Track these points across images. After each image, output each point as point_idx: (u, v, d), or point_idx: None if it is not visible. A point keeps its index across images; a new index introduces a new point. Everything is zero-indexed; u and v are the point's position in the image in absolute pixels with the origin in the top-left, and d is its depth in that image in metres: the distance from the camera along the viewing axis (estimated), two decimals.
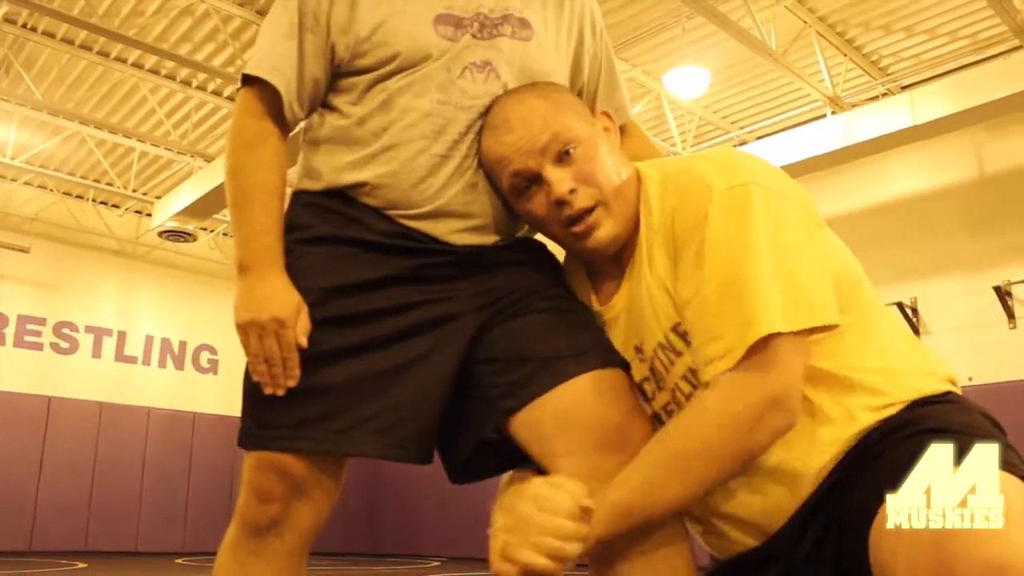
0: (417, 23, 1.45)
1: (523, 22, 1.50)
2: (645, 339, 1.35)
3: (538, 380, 1.36)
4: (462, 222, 1.44)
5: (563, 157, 1.33)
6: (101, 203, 11.76)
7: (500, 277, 1.45)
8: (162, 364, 11.91)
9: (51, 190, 11.27)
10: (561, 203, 1.32)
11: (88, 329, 11.55)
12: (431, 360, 1.40)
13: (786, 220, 1.21)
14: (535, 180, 1.34)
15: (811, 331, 1.18)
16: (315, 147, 1.52)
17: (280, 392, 1.37)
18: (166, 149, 9.90)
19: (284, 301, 1.38)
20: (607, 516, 1.18)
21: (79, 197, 11.56)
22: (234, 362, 1.74)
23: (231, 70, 7.99)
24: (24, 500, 10.24)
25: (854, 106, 7.91)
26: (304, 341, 1.37)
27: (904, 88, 7.98)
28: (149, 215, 11.53)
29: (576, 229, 1.33)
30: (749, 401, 1.16)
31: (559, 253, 1.52)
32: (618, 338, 1.39)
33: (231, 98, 8.66)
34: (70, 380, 11.12)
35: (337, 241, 1.45)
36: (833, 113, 7.91)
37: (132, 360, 11.81)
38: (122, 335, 11.80)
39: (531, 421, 1.35)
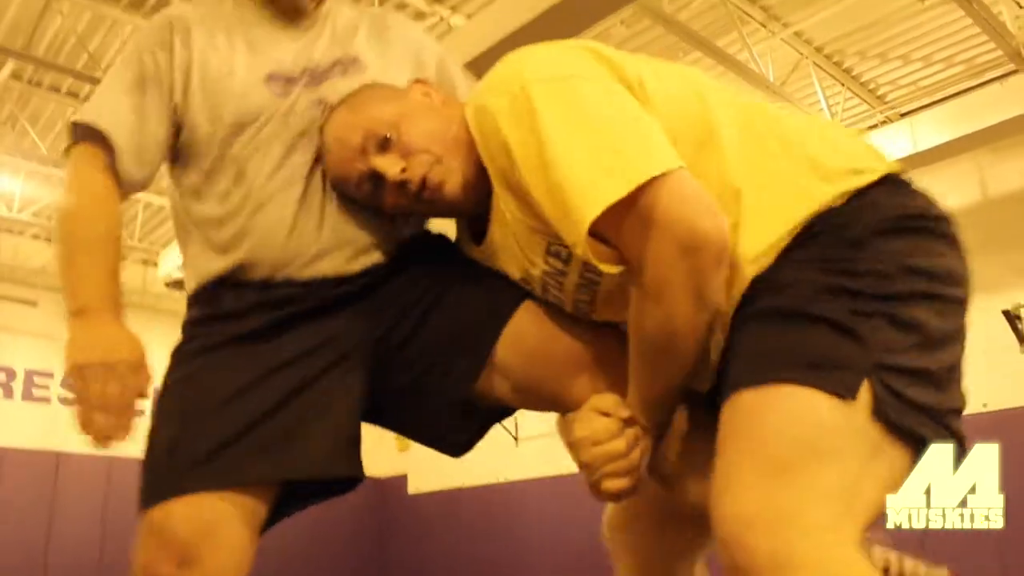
0: (248, 83, 1.48)
1: (354, 60, 1.56)
2: (528, 269, 1.36)
3: (482, 337, 1.39)
4: (346, 251, 1.46)
5: (385, 144, 1.36)
6: None
7: (399, 282, 1.48)
8: None
9: None
10: (403, 183, 1.34)
11: None
12: (331, 385, 1.41)
13: (577, 99, 1.19)
14: (375, 177, 1.37)
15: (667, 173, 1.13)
16: (187, 236, 1.52)
17: (106, 446, 1.33)
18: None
19: (135, 345, 1.34)
20: (641, 414, 1.27)
21: None
22: None
23: None
24: (34, 557, 10.13)
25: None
26: (148, 392, 1.34)
27: (903, 115, 7.99)
28: (155, 265, 11.56)
29: (427, 195, 1.35)
30: (654, 271, 1.14)
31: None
32: (512, 264, 1.40)
33: None
34: (79, 434, 11.04)
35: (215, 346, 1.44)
36: None
37: (141, 412, 11.75)
38: None
39: (504, 367, 1.39)
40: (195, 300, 1.53)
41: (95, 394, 1.30)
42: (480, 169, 1.34)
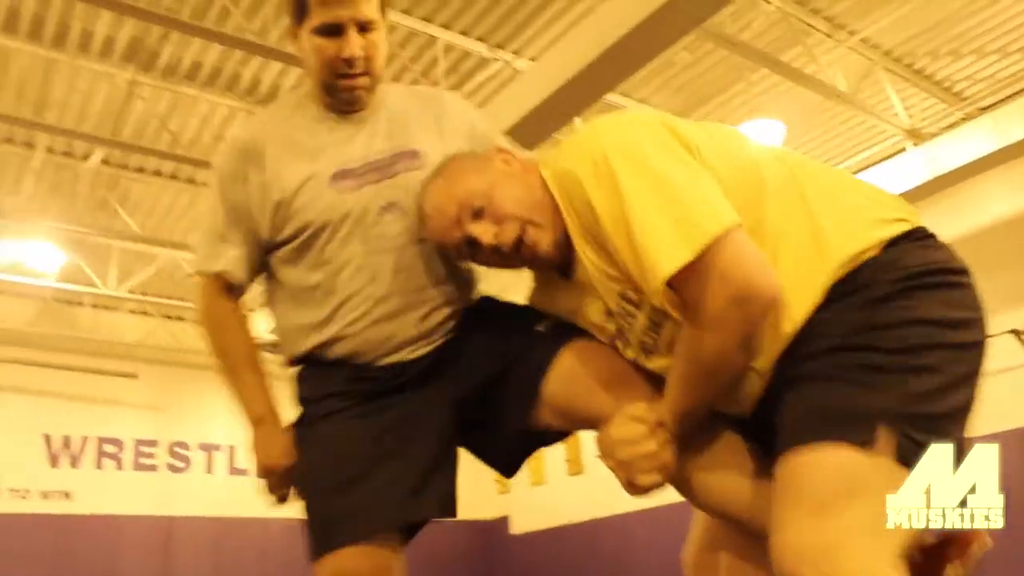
0: (317, 189, 1.68)
1: (412, 153, 1.73)
2: (604, 310, 1.55)
3: (535, 363, 1.63)
4: (418, 343, 1.69)
5: (478, 213, 1.54)
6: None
7: (465, 351, 1.71)
8: None
9: (152, 315, 11.73)
10: (498, 248, 1.53)
11: (200, 446, 11.84)
12: (425, 438, 1.68)
13: (649, 168, 1.35)
14: (471, 242, 1.56)
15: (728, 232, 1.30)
16: (275, 314, 1.82)
17: (280, 503, 1.82)
18: None
19: (287, 453, 1.78)
20: (670, 419, 1.44)
21: (179, 319, 11.99)
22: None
23: None
24: None
25: (934, 136, 7.72)
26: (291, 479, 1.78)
27: (983, 110, 7.76)
28: None
29: (525, 255, 1.53)
30: (711, 313, 1.31)
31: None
32: (591, 305, 1.58)
33: None
34: (187, 498, 11.36)
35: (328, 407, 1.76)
36: (914, 145, 7.73)
37: (244, 473, 12.04)
38: (232, 449, 12.05)
39: (551, 399, 1.61)
40: (299, 377, 1.84)
41: (274, 484, 1.81)
42: (561, 225, 1.52)
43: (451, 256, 1.68)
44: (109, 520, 10.61)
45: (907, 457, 1.19)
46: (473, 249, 1.57)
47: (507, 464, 1.79)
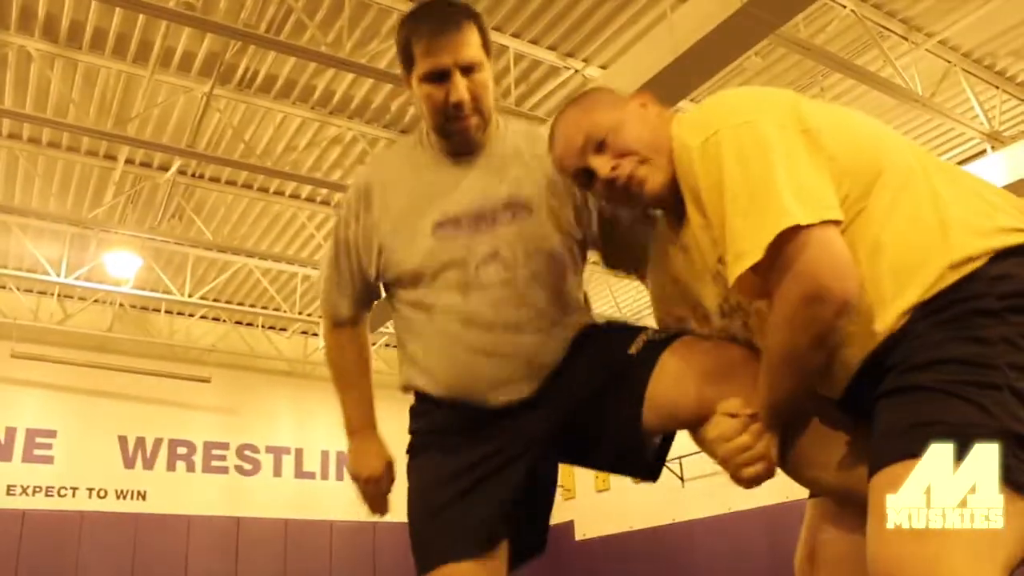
0: (418, 236, 1.74)
1: (520, 204, 1.76)
2: (706, 266, 1.55)
3: (636, 392, 1.65)
4: (516, 387, 1.73)
5: (600, 147, 1.57)
6: (270, 328, 12.40)
7: (569, 390, 1.74)
8: (339, 477, 12.26)
9: (225, 321, 11.98)
10: (612, 180, 1.56)
11: (268, 449, 12.06)
12: (526, 472, 1.74)
13: (754, 149, 1.36)
14: (589, 172, 1.59)
15: (819, 225, 1.29)
16: (401, 345, 1.88)
17: (380, 516, 1.96)
18: None
19: (378, 463, 1.91)
20: (763, 412, 1.46)
21: (250, 325, 12.24)
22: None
23: None
24: None
25: (1014, 139, 7.52)
26: (389, 488, 1.93)
27: None
28: (315, 334, 12.08)
29: (633, 190, 1.55)
30: (785, 308, 1.32)
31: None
32: (699, 262, 1.57)
33: None
34: (255, 499, 11.58)
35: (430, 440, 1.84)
36: (994, 149, 7.54)
37: (311, 476, 12.22)
38: (299, 452, 12.25)
39: (655, 407, 1.63)
40: (411, 409, 1.89)
41: (362, 491, 1.94)
42: (673, 174, 1.54)
43: (568, 183, 1.74)
44: (181, 519, 10.88)
45: (1015, 479, 1.16)
46: (589, 179, 1.61)
47: (642, 470, 1.79)
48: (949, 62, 7.08)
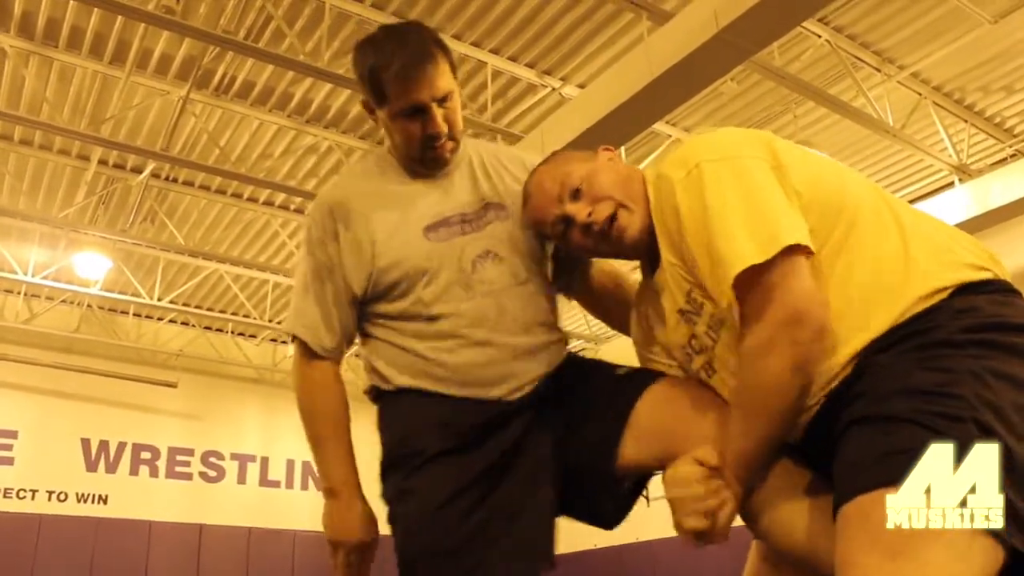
0: (412, 239, 1.71)
1: (498, 205, 1.78)
2: (674, 305, 1.57)
3: (615, 426, 1.62)
4: (522, 383, 1.69)
5: (576, 194, 1.62)
6: (239, 334, 12.31)
7: (561, 401, 1.71)
8: (304, 486, 12.18)
9: (194, 326, 11.89)
10: (589, 225, 1.60)
11: (233, 456, 11.95)
12: (535, 487, 1.66)
13: (736, 178, 1.41)
14: (566, 221, 1.63)
15: (796, 252, 1.33)
16: (378, 351, 1.77)
17: None
18: None
19: (368, 527, 1.71)
20: (732, 467, 1.43)
21: (219, 330, 12.14)
22: (376, 482, 1.87)
23: None
24: None
25: (981, 172, 7.65)
26: (373, 556, 1.73)
27: None
28: (284, 342, 12.01)
29: (611, 234, 1.59)
30: (763, 333, 1.34)
31: None
32: (668, 302, 1.59)
33: None
34: (219, 507, 11.47)
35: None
36: (961, 181, 7.67)
37: (276, 484, 12.12)
38: (265, 460, 12.15)
39: (634, 442, 1.60)
40: (392, 403, 1.77)
41: (340, 560, 1.74)
42: (650, 219, 1.58)
43: (545, 235, 1.73)
44: (142, 525, 10.74)
45: None
46: (567, 227, 1.64)
47: (603, 515, 1.72)
48: (920, 94, 7.20)
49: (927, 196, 8.14)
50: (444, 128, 1.70)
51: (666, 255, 1.53)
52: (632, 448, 1.61)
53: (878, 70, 6.92)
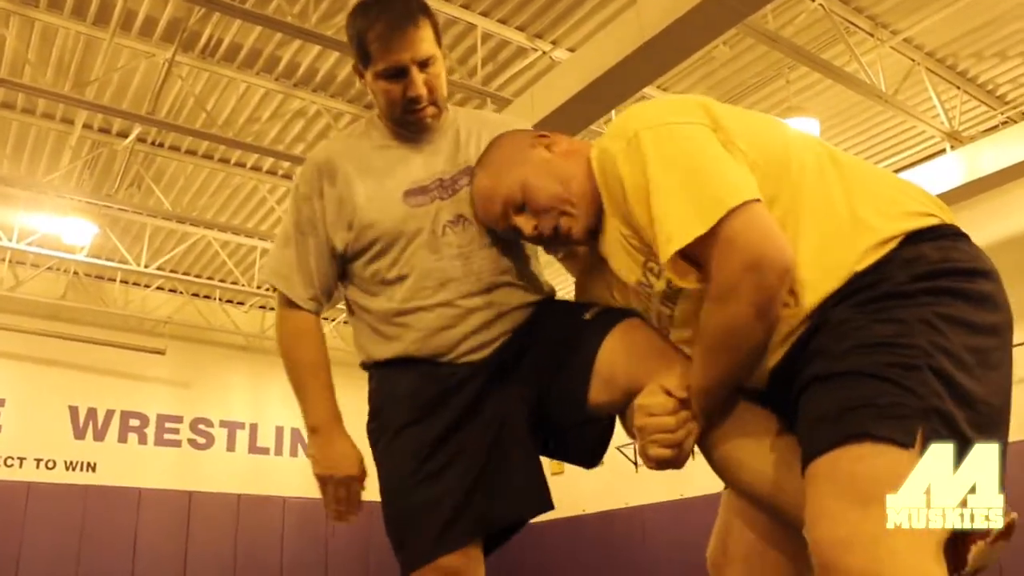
0: (390, 203, 1.77)
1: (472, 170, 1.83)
2: (627, 276, 1.61)
3: (584, 363, 1.66)
4: (484, 344, 1.75)
5: (520, 209, 1.67)
6: (227, 301, 12.26)
7: (528, 353, 1.76)
8: (293, 453, 12.19)
9: (181, 292, 11.83)
10: (537, 238, 1.67)
11: (222, 424, 11.96)
12: (505, 436, 1.72)
13: (676, 144, 1.43)
14: (515, 229, 1.69)
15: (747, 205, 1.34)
16: (357, 321, 1.86)
17: (348, 521, 1.82)
18: None
19: (352, 459, 1.79)
20: (694, 398, 1.48)
21: (207, 297, 12.09)
22: (366, 448, 1.88)
23: None
24: None
25: (973, 139, 7.63)
26: (364, 487, 1.79)
27: None
28: (273, 309, 11.94)
29: (561, 239, 1.66)
30: (726, 280, 1.35)
31: None
32: (623, 273, 1.62)
33: None
34: (208, 474, 11.48)
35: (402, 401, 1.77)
36: (952, 148, 7.65)
37: (265, 451, 12.13)
38: (254, 427, 12.16)
39: (603, 372, 1.64)
40: (372, 376, 1.85)
41: (330, 495, 1.79)
42: (597, 210, 1.60)
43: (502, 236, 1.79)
44: (131, 492, 10.75)
45: None
46: (517, 234, 1.70)
47: (583, 453, 1.78)
48: (913, 60, 7.16)
49: (919, 163, 8.13)
50: (423, 91, 1.76)
51: (618, 227, 1.56)
52: (600, 391, 1.66)
53: (871, 35, 6.86)
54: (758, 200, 1.36)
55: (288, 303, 1.83)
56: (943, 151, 7.81)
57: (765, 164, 1.43)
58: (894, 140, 8.28)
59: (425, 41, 1.74)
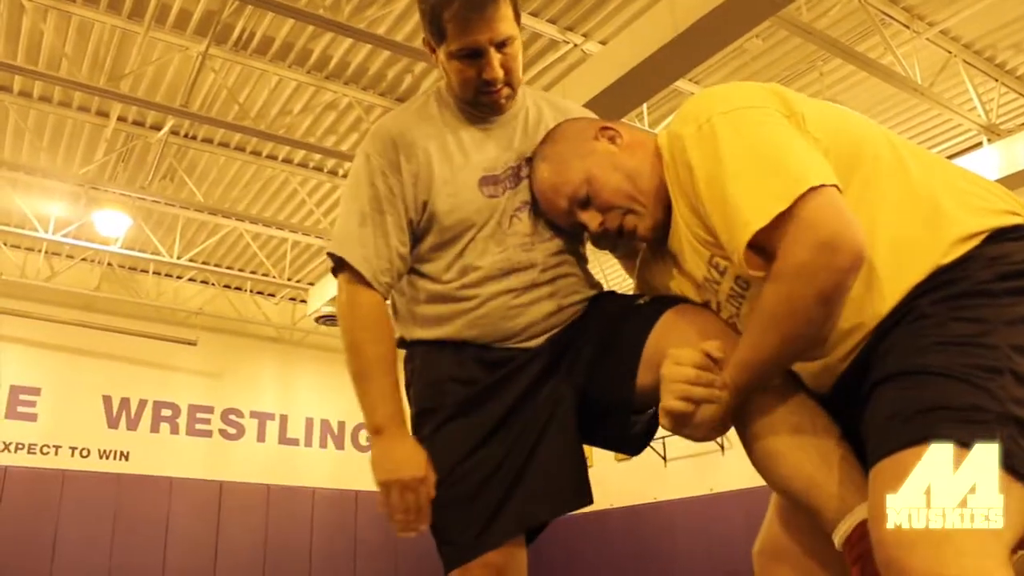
0: (467, 188, 1.72)
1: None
2: (694, 273, 1.58)
3: (638, 327, 1.62)
4: (540, 332, 1.72)
5: (585, 203, 1.63)
6: (258, 293, 12.36)
7: (579, 339, 1.72)
8: (323, 444, 12.28)
9: (213, 284, 11.94)
10: (602, 234, 1.64)
11: (252, 414, 12.06)
12: (552, 428, 1.66)
13: (750, 129, 1.39)
14: (581, 226, 1.67)
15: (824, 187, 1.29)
16: (415, 306, 1.77)
17: (418, 532, 1.64)
18: (317, 237, 10.35)
19: (419, 461, 1.63)
20: (733, 369, 1.40)
21: (238, 289, 12.20)
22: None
23: None
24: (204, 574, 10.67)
25: (1011, 132, 7.52)
26: (433, 493, 1.63)
27: None
28: (303, 301, 12.05)
29: (626, 238, 1.62)
30: (797, 257, 1.28)
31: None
32: (690, 268, 1.59)
33: None
34: (238, 464, 11.60)
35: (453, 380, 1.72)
36: (990, 141, 7.54)
37: (294, 442, 12.24)
38: (284, 418, 12.25)
39: (649, 363, 1.57)
40: (413, 355, 1.79)
41: (395, 502, 1.62)
42: (664, 205, 1.57)
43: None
44: (163, 481, 10.87)
45: (1015, 465, 1.16)
46: (583, 230, 1.69)
47: (628, 440, 1.72)
48: (950, 52, 7.05)
49: (955, 156, 8.00)
50: (500, 74, 1.68)
51: (685, 218, 1.52)
52: (647, 375, 1.59)
53: (907, 27, 6.77)
54: (835, 185, 1.31)
55: (362, 285, 1.69)
56: (980, 144, 7.70)
57: (837, 151, 1.39)
58: (930, 133, 8.16)
59: (505, 20, 1.64)
